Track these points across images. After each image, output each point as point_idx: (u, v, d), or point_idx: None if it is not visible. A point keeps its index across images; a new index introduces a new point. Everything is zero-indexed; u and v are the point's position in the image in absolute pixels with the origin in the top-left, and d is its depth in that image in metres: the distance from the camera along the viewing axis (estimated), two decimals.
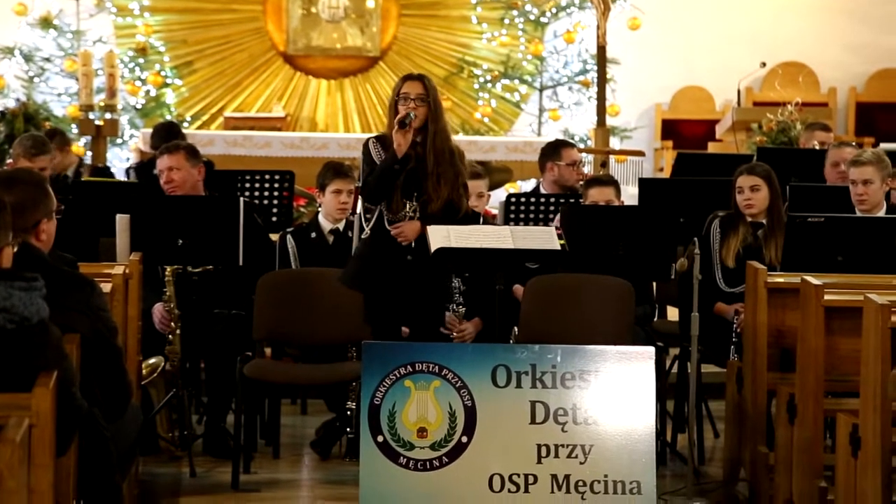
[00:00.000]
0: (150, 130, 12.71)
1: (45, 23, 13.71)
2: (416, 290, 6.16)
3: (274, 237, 7.47)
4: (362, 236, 6.28)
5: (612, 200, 7.10)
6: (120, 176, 13.14)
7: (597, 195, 7.11)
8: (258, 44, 14.27)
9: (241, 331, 6.65)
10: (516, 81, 14.36)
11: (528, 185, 12.15)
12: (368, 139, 6.30)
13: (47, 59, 13.78)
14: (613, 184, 7.25)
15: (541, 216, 7.50)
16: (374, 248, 6.19)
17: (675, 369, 7.11)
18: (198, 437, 6.67)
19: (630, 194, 9.71)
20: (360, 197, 7.52)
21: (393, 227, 6.14)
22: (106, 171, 10.35)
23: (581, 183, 7.80)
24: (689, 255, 6.13)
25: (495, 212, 8.38)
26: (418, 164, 6.10)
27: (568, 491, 5.22)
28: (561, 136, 13.67)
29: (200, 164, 7.05)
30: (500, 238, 5.97)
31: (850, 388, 5.20)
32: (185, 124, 13.60)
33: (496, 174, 10.30)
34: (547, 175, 7.98)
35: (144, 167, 9.03)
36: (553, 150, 8.03)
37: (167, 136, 8.74)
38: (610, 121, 12.83)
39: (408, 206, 6.14)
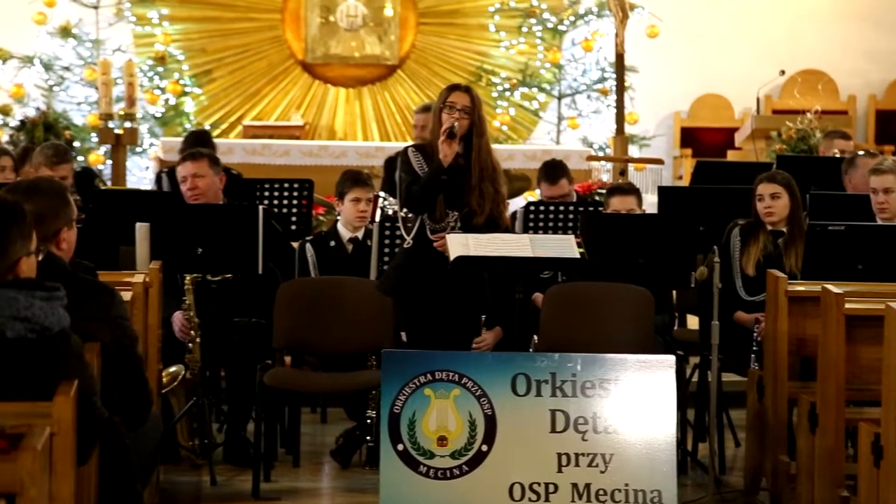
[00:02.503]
0: (169, 139, 12.84)
1: (65, 32, 13.75)
2: (455, 298, 6.13)
3: (293, 245, 7.47)
4: (404, 245, 6.24)
5: (633, 209, 7.09)
6: (140, 183, 13.22)
7: (618, 204, 7.11)
8: (277, 52, 14.30)
9: (261, 339, 6.65)
10: (535, 90, 14.36)
11: None
12: (407, 147, 6.28)
13: (67, 69, 13.83)
14: (635, 192, 7.25)
15: (560, 224, 7.50)
16: (415, 257, 6.17)
17: (695, 378, 7.08)
18: (218, 446, 6.68)
19: (649, 202, 9.69)
20: (377, 206, 7.54)
21: (435, 237, 6.11)
22: (89, 173, 10.32)
23: (602, 190, 7.86)
24: (708, 264, 6.11)
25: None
26: (460, 176, 6.09)
27: (588, 500, 5.20)
28: (579, 145, 13.71)
29: (222, 173, 7.07)
30: (520, 246, 5.96)
31: (871, 397, 5.18)
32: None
33: (515, 182, 10.29)
34: None
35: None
36: (541, 174, 8.19)
37: (195, 143, 8.72)
38: (628, 129, 12.81)
39: (450, 215, 6.12)
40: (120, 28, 13.98)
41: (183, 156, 7.18)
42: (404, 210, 6.25)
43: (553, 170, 8.19)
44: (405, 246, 6.22)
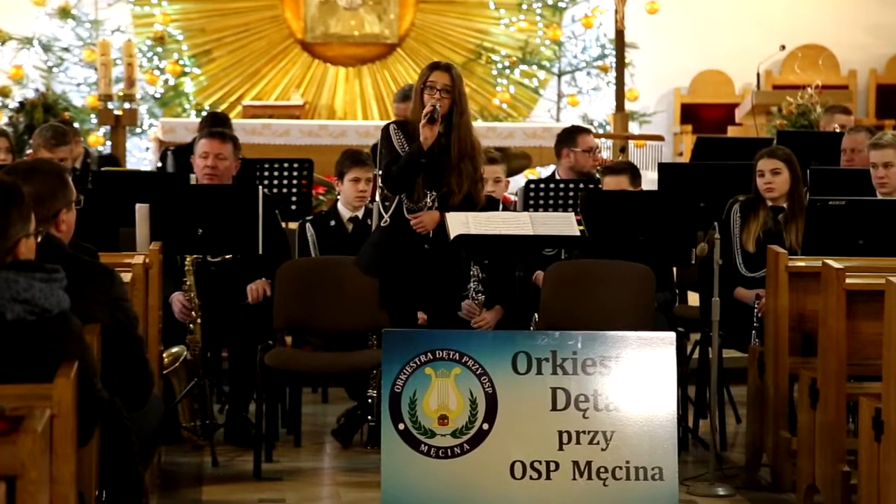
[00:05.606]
0: (169, 120, 12.82)
1: (64, 13, 13.72)
2: (433, 277, 6.16)
3: (293, 225, 7.45)
4: (381, 223, 6.28)
5: (625, 188, 7.08)
6: (139, 165, 13.22)
7: (612, 183, 7.12)
8: (276, 32, 14.27)
9: (261, 320, 6.65)
10: (534, 67, 14.32)
11: (546, 171, 12.11)
12: (388, 124, 6.29)
13: (66, 49, 13.80)
14: (627, 171, 7.23)
15: (560, 202, 7.49)
16: (392, 236, 6.20)
17: (696, 355, 7.09)
18: (219, 427, 6.69)
19: (649, 179, 9.68)
20: (377, 185, 7.53)
21: (412, 216, 6.13)
22: (112, 159, 10.34)
23: (598, 168, 7.80)
24: (709, 240, 6.11)
25: (514, 198, 8.37)
26: (440, 155, 6.09)
27: (590, 477, 5.21)
28: (579, 122, 13.67)
29: (238, 160, 7.06)
30: (520, 224, 5.96)
31: (872, 372, 5.18)
32: (204, 113, 13.59)
33: (515, 160, 10.28)
34: (563, 161, 7.96)
35: (183, 151, 8.91)
36: (569, 137, 8.00)
37: (215, 124, 8.66)
38: (629, 105, 12.79)
39: (428, 195, 6.14)
40: (119, 8, 13.95)
41: (211, 132, 7.12)
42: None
43: (579, 127, 8.28)
44: (383, 224, 6.25)
